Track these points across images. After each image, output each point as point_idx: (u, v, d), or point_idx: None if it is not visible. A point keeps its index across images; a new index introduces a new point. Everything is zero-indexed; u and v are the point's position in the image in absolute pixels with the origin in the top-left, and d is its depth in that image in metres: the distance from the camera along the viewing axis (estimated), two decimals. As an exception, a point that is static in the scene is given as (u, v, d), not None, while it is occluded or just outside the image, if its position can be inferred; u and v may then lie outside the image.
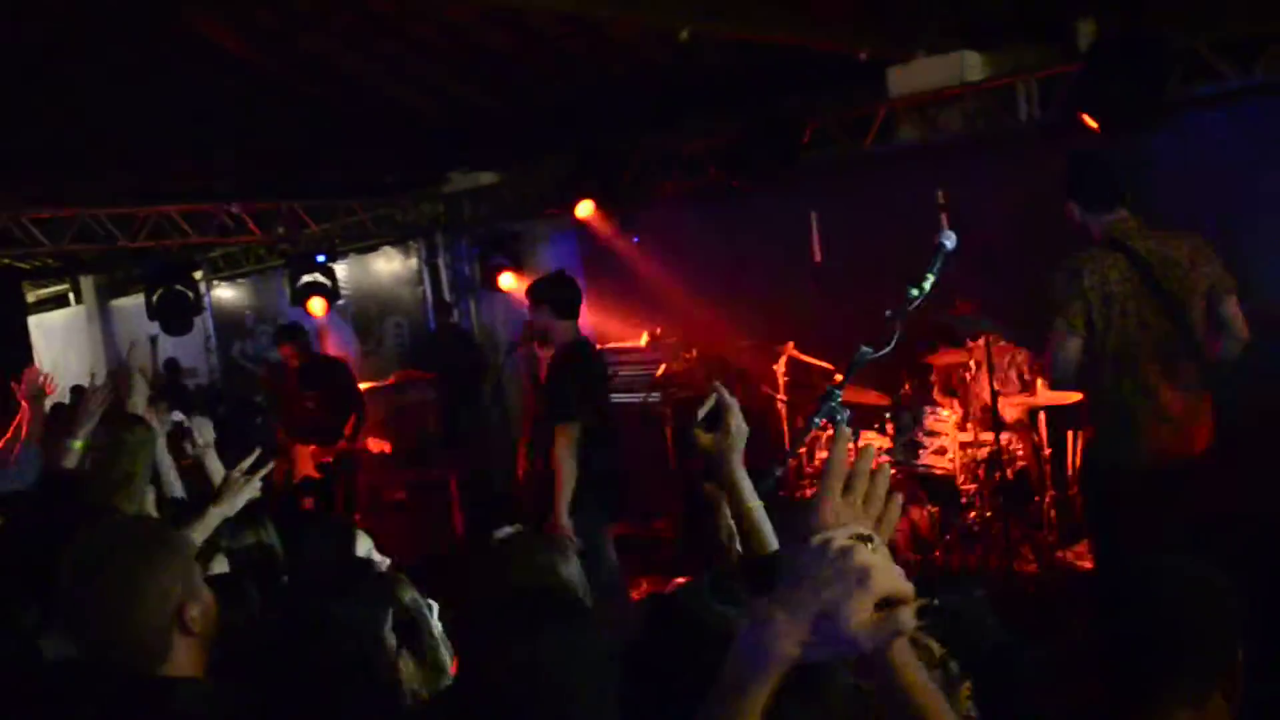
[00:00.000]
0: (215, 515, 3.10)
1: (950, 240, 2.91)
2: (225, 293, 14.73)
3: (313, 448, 8.22)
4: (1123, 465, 4.26)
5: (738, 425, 2.32)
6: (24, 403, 4.60)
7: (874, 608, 1.12)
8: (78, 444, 3.40)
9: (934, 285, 2.77)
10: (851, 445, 1.43)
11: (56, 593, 2.17)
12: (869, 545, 1.17)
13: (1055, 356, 4.25)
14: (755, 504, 2.27)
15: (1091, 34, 6.66)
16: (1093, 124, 6.37)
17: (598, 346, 8.44)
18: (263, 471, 3.30)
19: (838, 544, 1.15)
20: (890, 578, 1.13)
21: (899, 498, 1.45)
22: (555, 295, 5.51)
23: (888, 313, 2.67)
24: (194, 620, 2.08)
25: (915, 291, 2.72)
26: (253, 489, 3.25)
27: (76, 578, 2.11)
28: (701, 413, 2.34)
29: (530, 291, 5.58)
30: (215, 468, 3.64)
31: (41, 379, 4.74)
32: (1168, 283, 4.23)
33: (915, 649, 1.89)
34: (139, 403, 3.45)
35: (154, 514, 3.23)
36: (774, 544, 2.23)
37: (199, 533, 3.00)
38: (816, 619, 1.12)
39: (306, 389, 8.43)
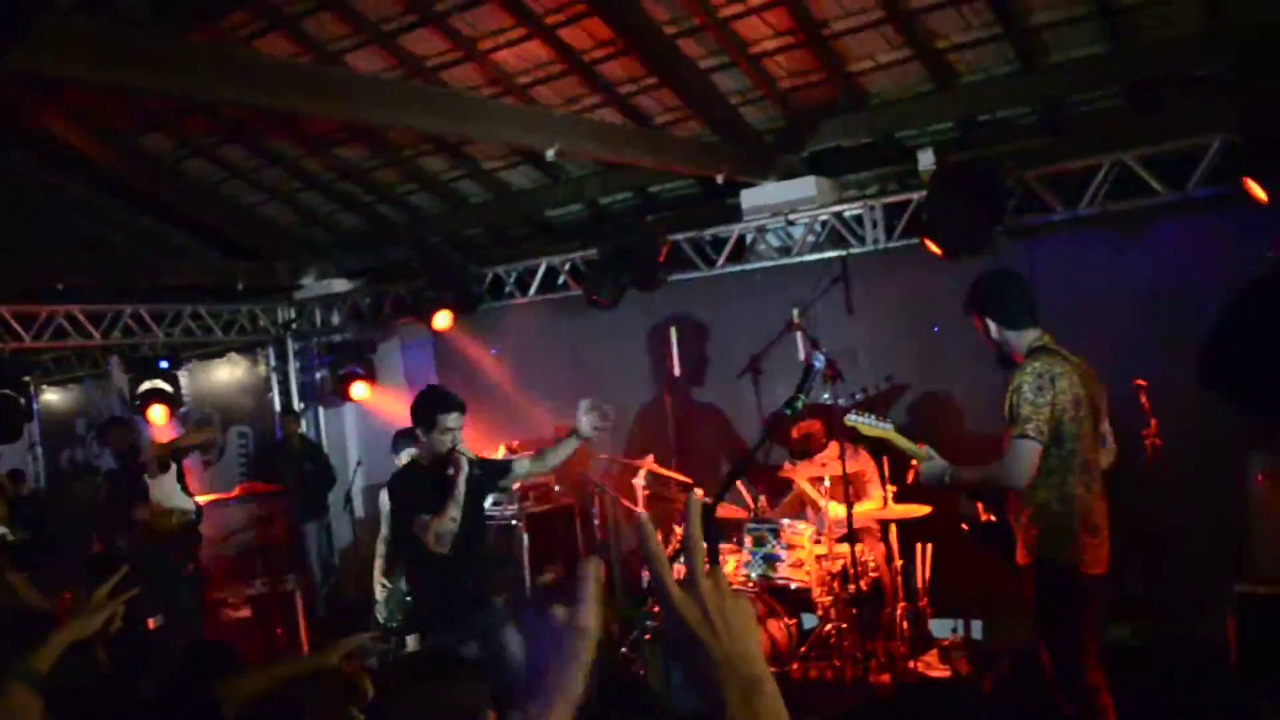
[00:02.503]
0: (62, 641, 2.75)
1: (820, 361, 3.05)
2: (54, 397, 13.99)
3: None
4: (1087, 569, 4.27)
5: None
6: None
7: None
8: None
9: (804, 403, 2.89)
10: None
11: None
12: None
13: (1022, 465, 4.18)
14: None
15: (931, 164, 7.04)
16: (936, 248, 6.71)
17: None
18: (127, 596, 2.94)
19: None
20: None
21: None
22: None
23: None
24: None
25: (789, 411, 2.82)
26: (114, 612, 2.92)
27: None
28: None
29: None
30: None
31: None
32: (1092, 395, 4.39)
33: None
34: None
35: None
36: None
37: (44, 660, 2.72)
38: None
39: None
